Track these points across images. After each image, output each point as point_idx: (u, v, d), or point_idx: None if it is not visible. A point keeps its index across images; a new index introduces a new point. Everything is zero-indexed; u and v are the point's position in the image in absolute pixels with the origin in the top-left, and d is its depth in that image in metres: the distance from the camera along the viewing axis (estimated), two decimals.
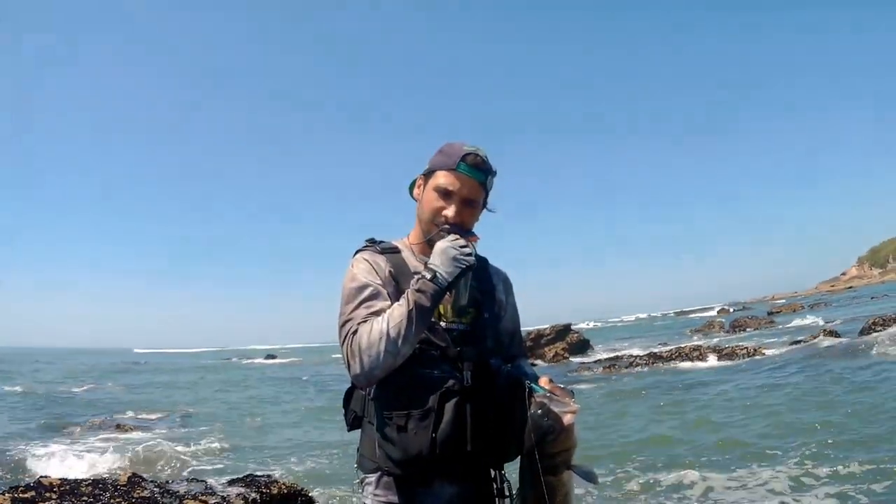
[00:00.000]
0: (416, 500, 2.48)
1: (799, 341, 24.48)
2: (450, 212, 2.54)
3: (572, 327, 36.91)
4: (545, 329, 35.35)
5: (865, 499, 7.66)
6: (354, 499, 6.93)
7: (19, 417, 20.47)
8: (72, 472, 11.22)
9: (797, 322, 40.04)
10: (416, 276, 2.40)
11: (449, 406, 2.38)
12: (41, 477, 7.27)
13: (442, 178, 2.56)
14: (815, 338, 24.19)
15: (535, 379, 2.43)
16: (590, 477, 2.41)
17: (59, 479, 7.11)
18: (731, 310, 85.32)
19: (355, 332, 2.37)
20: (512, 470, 2.65)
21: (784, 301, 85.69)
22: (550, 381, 2.41)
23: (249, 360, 69.38)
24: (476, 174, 2.56)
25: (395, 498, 2.50)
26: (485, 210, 2.69)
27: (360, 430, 2.65)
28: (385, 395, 2.44)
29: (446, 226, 2.52)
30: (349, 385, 2.65)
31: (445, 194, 2.55)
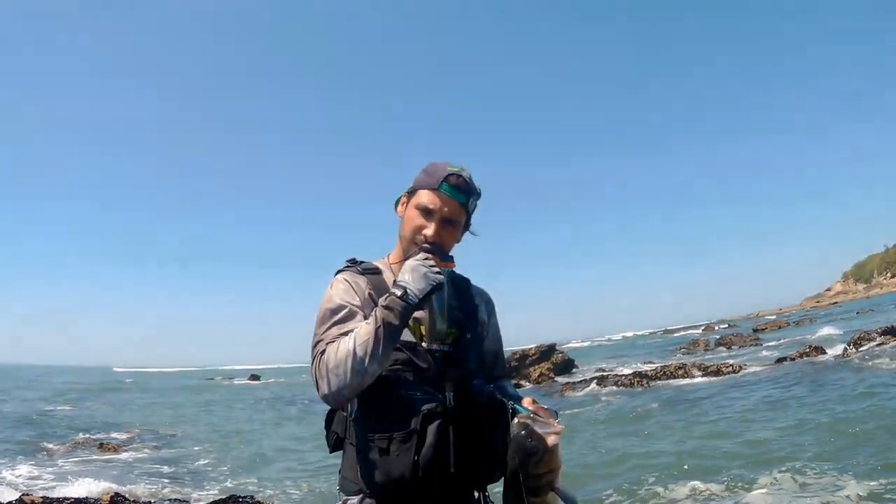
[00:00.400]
0: None
1: (784, 359, 24.51)
2: (429, 231, 2.52)
3: (557, 347, 36.96)
4: (530, 349, 35.33)
5: None
6: None
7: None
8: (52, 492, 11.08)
9: (783, 338, 40.27)
10: (385, 296, 2.36)
11: (432, 428, 2.34)
12: (23, 495, 7.20)
13: (424, 197, 2.55)
14: (801, 354, 24.26)
15: (519, 400, 2.41)
16: (572, 501, 2.33)
17: (41, 498, 7.05)
18: (717, 328, 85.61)
19: (323, 352, 2.34)
20: (496, 492, 2.60)
21: (771, 318, 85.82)
22: (534, 401, 2.38)
23: (232, 381, 68.87)
24: (457, 195, 2.55)
25: None
26: (467, 233, 2.70)
27: (341, 451, 2.60)
28: (367, 416, 2.39)
29: (425, 245, 2.50)
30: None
31: (426, 213, 2.54)
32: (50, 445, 18.47)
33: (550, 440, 2.25)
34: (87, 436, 20.24)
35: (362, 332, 2.30)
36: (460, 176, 2.55)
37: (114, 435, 21.31)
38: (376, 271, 2.62)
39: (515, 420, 2.30)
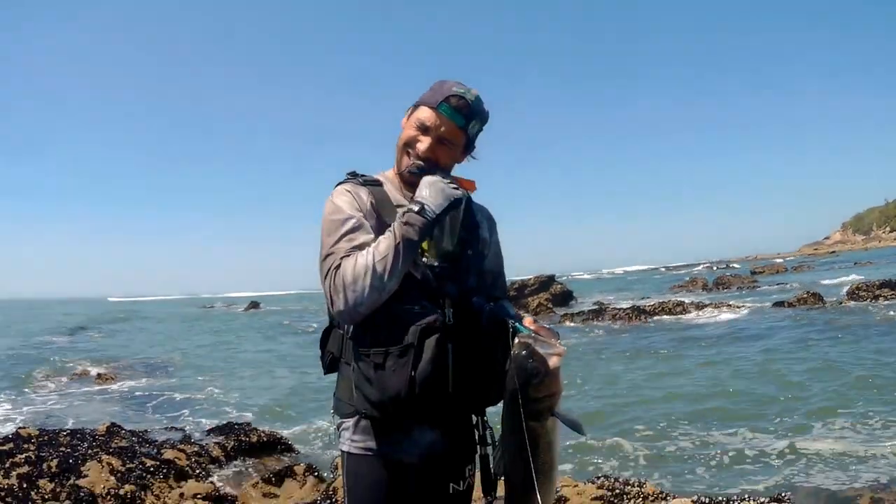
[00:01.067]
0: (395, 446, 2.39)
1: (782, 303, 24.54)
2: (423, 145, 2.45)
3: (556, 278, 37.19)
4: (529, 279, 35.60)
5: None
6: (333, 451, 6.88)
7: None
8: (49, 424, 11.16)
9: (782, 283, 40.43)
10: (402, 209, 2.32)
11: (429, 343, 2.24)
12: (19, 428, 7.22)
13: (422, 113, 2.47)
14: (799, 300, 24.27)
15: (520, 320, 2.31)
16: (576, 426, 2.26)
17: (38, 430, 7.07)
18: (715, 268, 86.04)
19: (338, 266, 2.27)
20: (494, 417, 2.55)
21: (767, 262, 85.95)
22: (535, 321, 2.31)
23: (231, 308, 69.14)
24: (456, 117, 2.45)
25: (372, 444, 2.41)
26: (469, 157, 2.64)
27: (337, 373, 2.56)
28: (362, 332, 2.31)
29: (418, 161, 2.44)
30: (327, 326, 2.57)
31: (423, 129, 2.46)
32: (48, 377, 18.59)
33: (552, 362, 2.17)
34: (85, 367, 20.37)
35: (381, 247, 2.24)
36: (462, 98, 2.45)
37: (111, 365, 21.41)
38: (377, 183, 2.55)
39: (516, 340, 2.21)
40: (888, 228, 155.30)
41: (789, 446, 8.31)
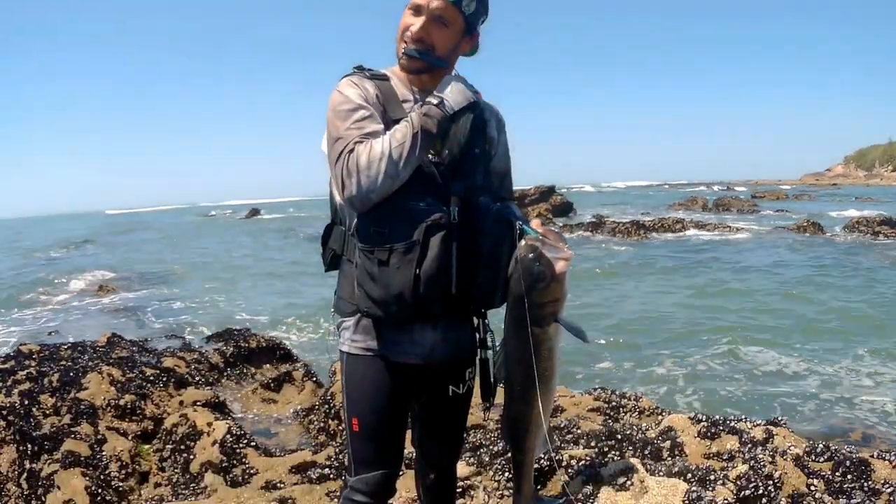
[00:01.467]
0: (395, 347, 2.37)
1: (782, 227, 24.51)
2: (415, 26, 2.35)
3: (556, 189, 37.12)
4: (529, 189, 35.43)
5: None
6: (331, 356, 6.91)
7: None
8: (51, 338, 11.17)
9: (782, 210, 40.33)
10: (420, 102, 2.29)
11: (435, 240, 2.19)
12: (20, 345, 7.21)
13: None
14: (799, 228, 24.25)
15: (527, 221, 2.27)
16: (579, 334, 2.24)
17: (39, 346, 7.06)
18: (716, 188, 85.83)
19: (352, 150, 2.21)
20: (495, 321, 2.53)
21: (769, 188, 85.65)
22: (543, 223, 2.26)
23: (232, 215, 68.78)
24: None
25: (373, 343, 2.39)
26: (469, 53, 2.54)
27: (338, 271, 2.53)
28: (367, 228, 2.25)
29: (411, 48, 2.36)
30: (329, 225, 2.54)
31: (416, 10, 2.36)
32: (50, 293, 18.60)
33: (559, 266, 2.15)
34: (86, 280, 20.41)
35: (398, 135, 2.19)
36: None
37: (112, 277, 21.46)
38: (384, 77, 2.46)
39: (522, 242, 2.18)
40: (890, 167, 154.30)
41: (784, 371, 8.42)
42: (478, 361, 2.57)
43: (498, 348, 2.44)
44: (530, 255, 2.14)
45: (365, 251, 2.23)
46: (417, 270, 2.18)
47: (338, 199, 2.37)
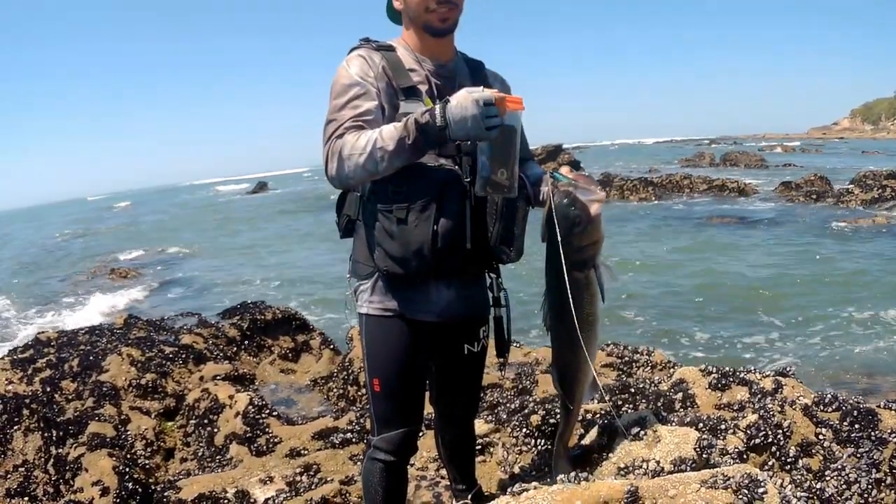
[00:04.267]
0: (412, 304, 2.47)
1: (789, 183, 24.38)
2: None
3: (564, 147, 37.03)
4: (535, 149, 35.27)
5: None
6: (347, 324, 7.02)
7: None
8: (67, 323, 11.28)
9: (787, 162, 40.11)
10: (426, 109, 2.19)
11: (451, 197, 2.31)
12: (38, 333, 7.26)
13: None
14: (806, 181, 24.11)
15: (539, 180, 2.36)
16: (614, 278, 2.35)
17: (56, 333, 7.12)
18: (722, 143, 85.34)
19: (340, 136, 2.28)
20: (508, 281, 2.65)
21: (776, 142, 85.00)
22: (572, 169, 2.32)
23: (238, 191, 68.27)
24: None
25: (391, 304, 2.48)
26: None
27: (352, 238, 2.61)
28: (383, 189, 2.33)
29: (438, 5, 2.36)
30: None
31: None
32: (63, 278, 18.70)
33: (594, 208, 2.19)
34: (98, 263, 20.48)
35: (385, 135, 2.19)
36: None
37: (123, 258, 21.56)
38: (390, 48, 2.50)
39: (551, 188, 2.23)
40: None
41: (791, 329, 8.50)
42: (491, 319, 2.67)
43: (543, 298, 2.46)
44: (565, 201, 2.19)
45: (383, 211, 2.32)
46: (435, 227, 2.28)
47: None
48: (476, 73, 2.61)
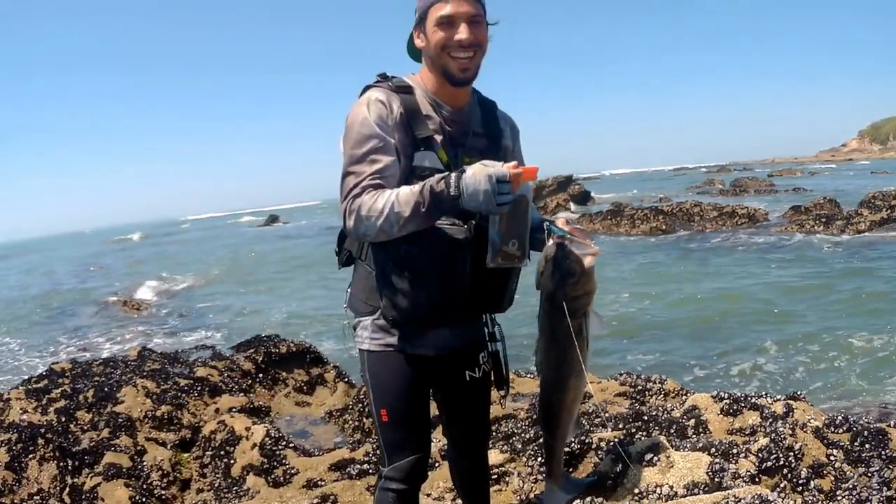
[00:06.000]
0: (411, 341, 2.54)
1: (798, 207, 24.37)
2: (462, 34, 2.37)
3: (574, 178, 37.19)
4: (546, 180, 35.53)
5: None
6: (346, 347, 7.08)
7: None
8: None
9: (797, 186, 40.13)
10: (442, 176, 2.20)
11: (460, 258, 2.36)
12: (52, 364, 7.34)
13: (438, 11, 2.38)
14: (815, 205, 24.12)
15: (552, 223, 2.37)
16: (604, 327, 2.44)
17: (70, 364, 7.17)
18: (732, 170, 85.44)
19: (358, 195, 2.29)
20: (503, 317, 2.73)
21: (785, 166, 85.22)
22: (568, 222, 2.36)
23: (244, 221, 68.32)
24: None
25: (392, 339, 2.54)
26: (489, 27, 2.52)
27: (353, 268, 2.67)
28: (396, 246, 2.36)
29: (460, 50, 2.37)
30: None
31: (448, 23, 2.37)
32: (74, 310, 18.83)
33: (587, 261, 2.26)
34: (111, 296, 20.55)
35: (402, 199, 2.21)
36: None
37: (135, 291, 21.70)
38: (408, 90, 2.49)
39: (550, 241, 2.29)
40: None
41: (801, 356, 8.51)
42: (485, 353, 2.75)
43: (536, 345, 2.53)
44: (560, 253, 2.26)
45: (395, 268, 2.38)
46: (445, 287, 2.38)
47: None
48: (488, 117, 2.63)
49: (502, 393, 2.76)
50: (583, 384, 2.54)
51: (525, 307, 2.68)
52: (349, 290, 2.68)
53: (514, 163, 2.18)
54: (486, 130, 2.59)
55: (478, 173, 2.11)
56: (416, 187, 2.22)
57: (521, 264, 2.34)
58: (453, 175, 2.17)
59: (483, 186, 2.09)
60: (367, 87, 2.50)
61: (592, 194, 37.92)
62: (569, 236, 2.26)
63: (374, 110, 2.38)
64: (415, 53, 2.58)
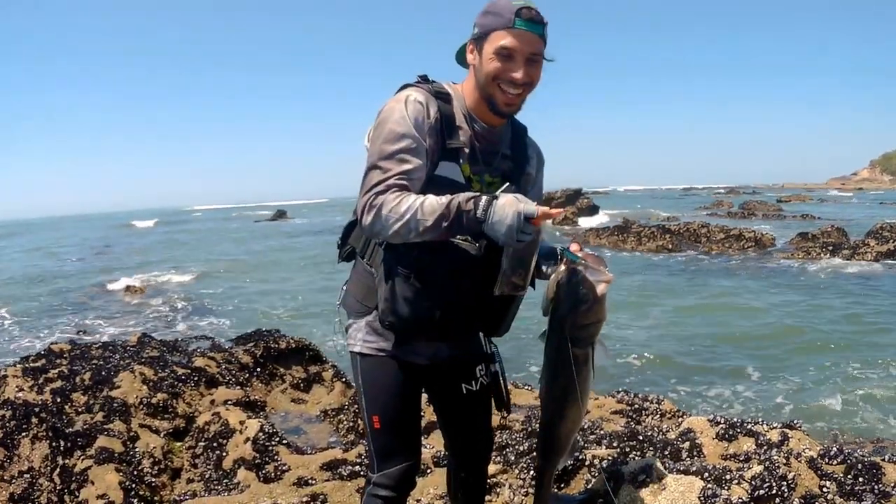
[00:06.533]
0: (405, 348, 2.49)
1: (806, 234, 24.36)
2: (518, 74, 2.33)
3: (583, 192, 37.35)
4: (555, 192, 35.69)
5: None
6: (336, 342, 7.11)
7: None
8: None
9: (805, 213, 40.11)
10: (471, 197, 2.16)
11: (460, 271, 2.33)
12: (51, 344, 7.34)
13: (501, 39, 2.32)
14: (822, 233, 24.11)
15: (565, 248, 2.34)
16: (607, 358, 2.38)
17: (69, 345, 7.17)
18: (741, 192, 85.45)
19: (382, 192, 2.22)
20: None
21: (794, 192, 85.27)
22: (581, 248, 2.30)
23: (251, 215, 68.41)
24: (534, 27, 2.33)
25: (385, 344, 2.50)
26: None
27: (352, 265, 2.64)
28: (409, 253, 2.33)
29: (511, 86, 2.33)
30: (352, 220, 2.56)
31: (507, 56, 2.33)
32: (77, 294, 18.80)
33: (600, 289, 2.21)
34: (116, 281, 20.68)
35: (426, 207, 2.15)
36: (531, 7, 2.32)
37: (139, 278, 21.67)
38: (447, 98, 2.44)
39: (562, 266, 2.25)
40: None
41: (801, 382, 8.51)
42: (482, 366, 2.71)
43: (543, 373, 2.51)
44: (573, 280, 2.22)
45: (403, 273, 2.34)
46: (447, 300, 2.35)
47: None
48: (518, 142, 2.59)
49: (504, 414, 2.74)
50: (583, 414, 2.53)
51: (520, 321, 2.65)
52: (345, 287, 2.65)
53: (545, 208, 2.13)
54: (514, 154, 2.56)
55: (508, 205, 2.08)
56: (444, 199, 2.17)
57: (524, 292, 2.33)
58: (484, 198, 2.13)
59: (510, 220, 2.06)
60: (406, 86, 2.45)
61: (600, 208, 38.03)
62: (582, 262, 2.22)
63: (412, 110, 2.33)
64: (463, 60, 2.53)
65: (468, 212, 2.13)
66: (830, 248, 21.62)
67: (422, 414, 2.78)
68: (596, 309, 2.24)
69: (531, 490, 3.62)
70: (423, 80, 2.48)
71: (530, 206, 2.08)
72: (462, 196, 2.16)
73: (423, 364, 2.53)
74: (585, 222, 32.88)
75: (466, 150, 2.41)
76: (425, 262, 2.31)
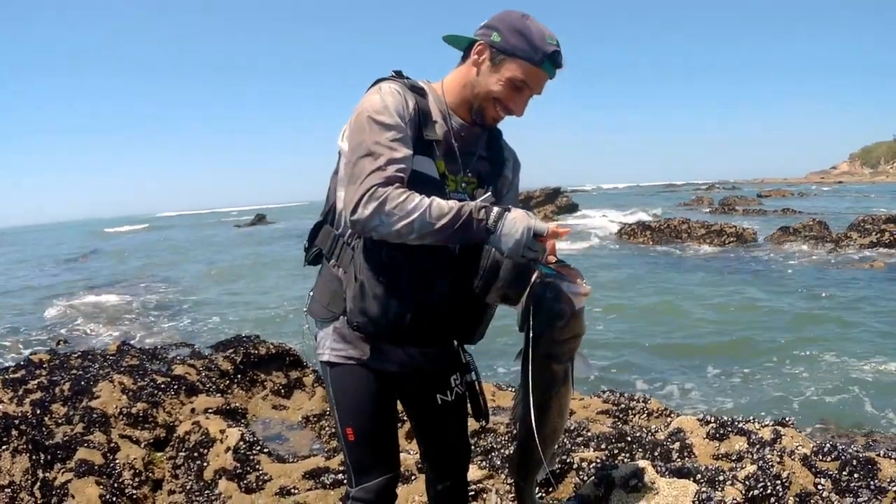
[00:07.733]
0: (374, 355, 2.40)
1: (787, 227, 24.46)
2: (518, 107, 2.37)
3: (562, 190, 37.48)
4: (535, 191, 35.75)
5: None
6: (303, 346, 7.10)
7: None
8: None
9: (785, 207, 40.33)
10: (483, 206, 2.12)
11: (434, 275, 2.26)
12: (30, 354, 7.26)
13: (521, 72, 2.30)
14: (804, 226, 24.20)
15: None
16: (590, 371, 2.36)
17: (49, 355, 7.10)
18: (720, 188, 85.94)
19: (382, 184, 2.11)
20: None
21: (774, 186, 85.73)
22: (558, 259, 2.19)
23: (232, 220, 68.30)
24: (552, 71, 2.34)
25: (354, 352, 2.41)
26: None
27: (319, 269, 2.55)
28: (379, 250, 2.24)
29: (504, 111, 2.37)
30: (319, 221, 2.53)
31: (518, 88, 2.32)
32: (58, 303, 18.63)
33: (578, 302, 2.12)
34: (92, 290, 20.55)
35: (435, 210, 2.08)
36: (559, 51, 2.31)
37: (118, 286, 21.53)
38: (422, 93, 2.38)
39: (537, 280, 2.15)
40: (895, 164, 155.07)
41: (788, 380, 8.48)
42: (457, 376, 2.64)
43: (517, 388, 2.47)
44: (549, 295, 2.12)
45: (373, 271, 2.24)
46: (419, 301, 2.25)
47: (340, 204, 2.33)
48: (494, 143, 2.56)
49: (482, 423, 2.66)
50: (561, 430, 2.46)
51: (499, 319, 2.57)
52: (311, 293, 2.55)
53: (554, 226, 2.12)
54: (490, 155, 2.52)
55: (519, 220, 2.07)
56: (454, 204, 2.10)
57: (515, 304, 2.26)
58: (496, 210, 2.10)
59: (518, 235, 2.05)
60: (381, 80, 2.38)
61: (579, 206, 38.19)
62: (558, 275, 2.12)
63: (392, 100, 2.26)
64: (454, 42, 2.46)
65: (480, 220, 2.09)
66: (812, 241, 21.71)
67: (400, 423, 2.67)
68: (573, 324, 2.15)
69: None
70: (398, 75, 2.42)
71: (541, 224, 2.08)
72: (472, 204, 2.12)
73: (394, 371, 2.44)
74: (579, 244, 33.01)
75: (442, 146, 2.35)
76: (398, 259, 2.22)
